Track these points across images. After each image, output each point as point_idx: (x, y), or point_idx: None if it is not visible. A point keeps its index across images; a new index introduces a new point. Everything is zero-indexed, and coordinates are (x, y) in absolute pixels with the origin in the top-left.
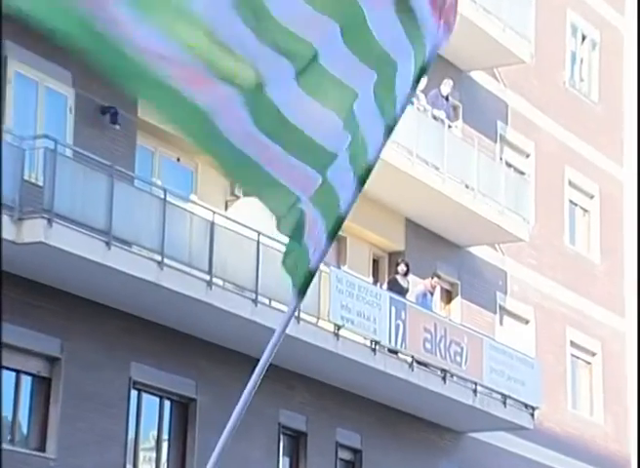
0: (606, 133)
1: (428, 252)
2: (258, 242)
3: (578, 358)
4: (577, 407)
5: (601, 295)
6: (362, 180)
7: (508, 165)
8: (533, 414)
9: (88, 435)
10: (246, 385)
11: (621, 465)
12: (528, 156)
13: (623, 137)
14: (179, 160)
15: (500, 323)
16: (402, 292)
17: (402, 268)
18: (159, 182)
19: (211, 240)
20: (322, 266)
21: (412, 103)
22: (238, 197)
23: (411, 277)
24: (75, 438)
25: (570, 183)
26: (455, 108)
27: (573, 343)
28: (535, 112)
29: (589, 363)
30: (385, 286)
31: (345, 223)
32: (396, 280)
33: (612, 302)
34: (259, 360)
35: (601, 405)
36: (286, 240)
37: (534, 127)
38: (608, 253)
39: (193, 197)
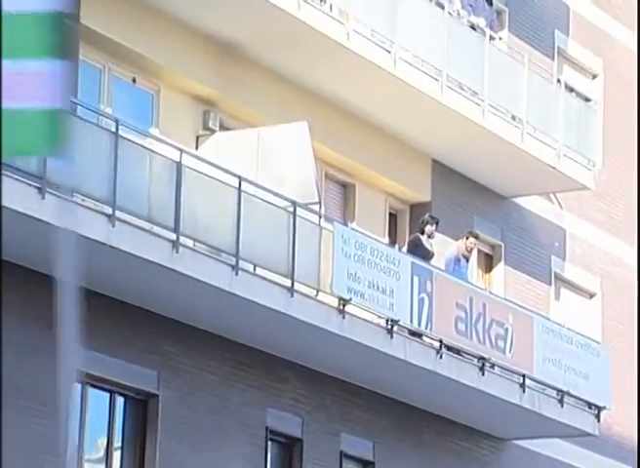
0: None
1: (463, 204)
2: (239, 190)
3: None
4: None
5: None
6: None
7: (569, 89)
8: (599, 416)
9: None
10: (222, 377)
11: None
12: (595, 77)
13: None
14: (134, 81)
15: (557, 297)
16: (426, 257)
17: (430, 228)
18: (109, 111)
19: (177, 187)
20: (324, 222)
21: (442, 6)
22: (213, 131)
23: (439, 237)
24: None
25: None
26: (499, 13)
27: None
28: (604, 18)
29: None
30: (405, 248)
31: (355, 166)
32: (420, 240)
33: None
34: (240, 344)
35: (636, 395)
36: (274, 186)
37: (604, 38)
38: None
39: (154, 131)
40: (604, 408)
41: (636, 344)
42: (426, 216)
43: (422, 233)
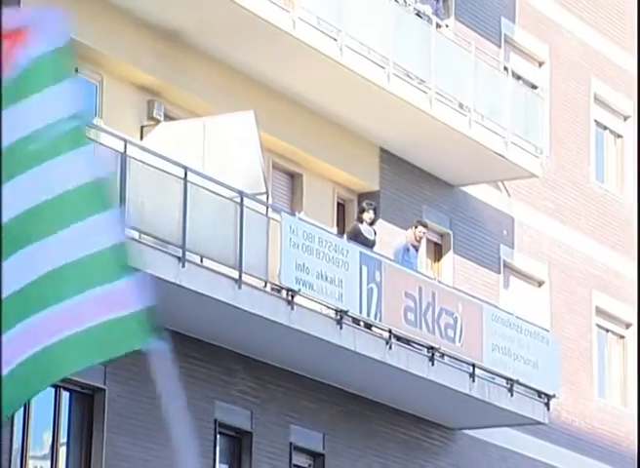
0: None
1: (411, 193)
2: (185, 180)
3: (607, 330)
4: (605, 394)
5: (637, 248)
6: None
7: (516, 76)
8: (548, 405)
9: None
10: (171, 371)
11: None
12: (542, 64)
13: None
14: (77, 71)
15: (506, 285)
16: (367, 245)
17: (368, 215)
18: None
19: (122, 178)
20: (271, 213)
21: None
22: (158, 121)
23: (387, 226)
24: None
25: (597, 100)
26: (445, 1)
27: (600, 311)
28: (550, 5)
29: (622, 336)
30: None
31: (302, 155)
32: (359, 229)
33: None
34: (187, 336)
35: (636, 392)
36: (221, 177)
37: (550, 25)
38: None
39: (98, 121)
40: (553, 396)
41: (588, 331)
42: (363, 204)
43: (361, 221)
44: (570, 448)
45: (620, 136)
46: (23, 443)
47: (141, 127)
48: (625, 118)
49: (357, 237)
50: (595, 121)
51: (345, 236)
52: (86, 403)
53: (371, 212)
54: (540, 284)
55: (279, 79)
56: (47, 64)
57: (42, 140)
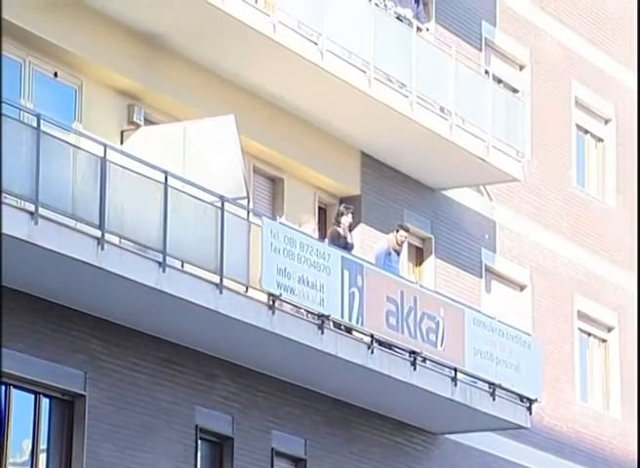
0: (625, 37)
1: (392, 197)
2: (165, 185)
3: (589, 334)
4: (587, 398)
5: (619, 252)
6: None
7: (497, 80)
8: (530, 409)
9: None
10: (151, 376)
11: None
12: (522, 68)
13: None
14: (56, 75)
15: (488, 289)
16: (346, 249)
17: (345, 219)
18: (30, 106)
19: (102, 183)
20: (252, 217)
21: None
22: (138, 125)
23: (369, 231)
24: None
25: (578, 104)
26: (426, 5)
27: (582, 315)
28: (531, 8)
29: (604, 340)
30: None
31: (283, 160)
32: (337, 233)
33: (633, 261)
34: (168, 342)
35: (618, 396)
36: (201, 181)
37: (530, 28)
38: (628, 195)
39: (77, 126)
40: (535, 400)
41: (570, 335)
42: (341, 207)
43: (339, 225)
44: (552, 452)
45: (601, 139)
46: (3, 449)
47: (121, 131)
48: (606, 121)
49: (337, 240)
50: (576, 125)
51: (327, 240)
52: (66, 409)
53: (349, 215)
54: (522, 288)
55: (260, 83)
56: None
57: None
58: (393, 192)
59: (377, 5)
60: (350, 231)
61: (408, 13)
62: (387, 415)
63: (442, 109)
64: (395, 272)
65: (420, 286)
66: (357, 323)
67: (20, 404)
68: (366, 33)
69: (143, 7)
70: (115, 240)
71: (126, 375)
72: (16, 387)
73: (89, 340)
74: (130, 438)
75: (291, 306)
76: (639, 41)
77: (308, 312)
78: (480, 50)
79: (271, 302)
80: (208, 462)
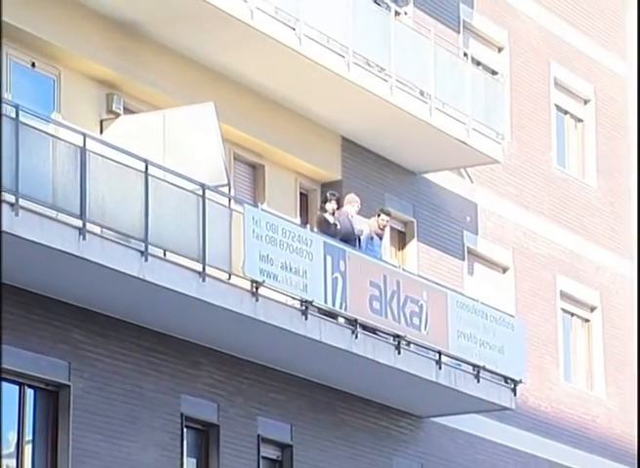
0: (603, 16)
1: (374, 181)
2: (146, 174)
3: (572, 314)
4: (571, 379)
5: (600, 232)
6: None
7: (476, 62)
8: (515, 390)
9: None
10: (135, 365)
11: (629, 452)
12: (501, 50)
13: (626, 21)
14: (34, 66)
15: (470, 272)
16: (335, 235)
17: (332, 206)
18: (8, 97)
19: (82, 173)
20: (234, 204)
21: None
22: (117, 114)
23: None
24: None
25: (557, 84)
26: None
27: (564, 295)
28: None
29: (587, 320)
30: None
31: (264, 146)
32: (325, 219)
33: (615, 240)
34: (152, 331)
35: (602, 375)
36: (182, 169)
37: (508, 10)
38: (609, 175)
39: (56, 116)
40: (520, 381)
41: (553, 316)
42: (327, 194)
43: (324, 212)
44: (537, 432)
45: (580, 120)
46: None
47: (101, 121)
48: (586, 102)
49: (325, 227)
50: (556, 105)
51: (315, 227)
52: (51, 400)
53: (333, 202)
54: (505, 269)
55: (239, 70)
56: None
57: None
58: (374, 176)
59: None
60: (333, 215)
61: None
62: (372, 399)
63: (421, 93)
64: (378, 256)
65: (403, 269)
66: (341, 308)
67: (5, 395)
68: (344, 18)
69: None
70: (97, 230)
71: (110, 365)
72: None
73: (72, 330)
74: (115, 427)
75: (274, 292)
76: None
77: (292, 298)
78: (458, 32)
79: (254, 289)
80: (194, 450)
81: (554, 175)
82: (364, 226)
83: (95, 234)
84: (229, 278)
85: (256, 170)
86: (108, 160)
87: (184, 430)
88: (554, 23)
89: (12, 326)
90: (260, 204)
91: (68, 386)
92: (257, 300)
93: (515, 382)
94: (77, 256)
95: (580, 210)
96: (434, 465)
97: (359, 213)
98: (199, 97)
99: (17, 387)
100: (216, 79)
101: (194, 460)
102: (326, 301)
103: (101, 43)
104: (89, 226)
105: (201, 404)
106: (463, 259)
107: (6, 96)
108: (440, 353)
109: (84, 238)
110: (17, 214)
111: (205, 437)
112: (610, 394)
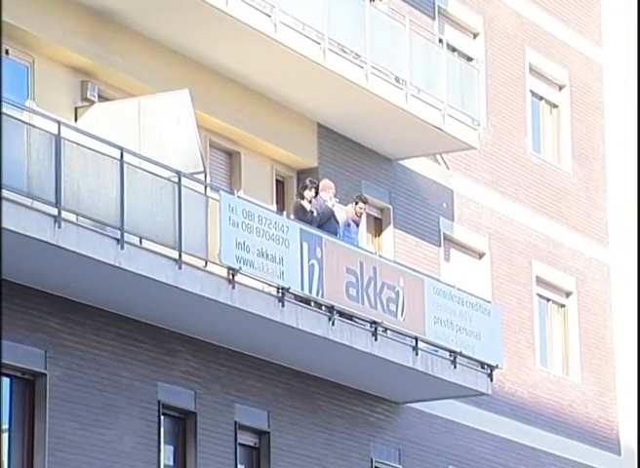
0: (578, 2)
1: (350, 168)
2: (121, 161)
3: (547, 300)
4: (547, 364)
5: (576, 217)
6: None
7: (451, 49)
8: (491, 376)
9: None
10: (112, 353)
11: (606, 436)
12: (476, 36)
13: (601, 7)
14: (7, 53)
15: (446, 258)
16: (311, 223)
17: (310, 193)
18: None
19: (57, 161)
20: (209, 192)
21: None
22: (92, 102)
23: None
24: None
25: (532, 70)
26: None
27: (540, 281)
28: None
29: (563, 306)
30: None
31: (239, 133)
32: (302, 207)
33: (590, 226)
34: (129, 318)
35: (578, 360)
36: (158, 157)
37: None
38: (584, 161)
39: (30, 103)
40: (496, 366)
41: (529, 301)
42: (306, 181)
43: (302, 199)
44: (514, 417)
45: (555, 105)
46: None
47: (75, 108)
48: (561, 87)
49: (302, 214)
50: (531, 91)
51: (292, 214)
52: (27, 388)
53: (312, 190)
54: (481, 255)
55: (214, 57)
56: None
57: None
58: (351, 163)
59: None
60: (311, 202)
61: None
62: (349, 386)
63: (397, 79)
64: (354, 243)
65: (380, 256)
66: (317, 294)
67: None
68: (319, 5)
69: None
70: (72, 218)
71: (86, 353)
72: None
73: (48, 319)
74: (92, 415)
75: (250, 279)
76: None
77: (268, 285)
78: (433, 19)
79: (231, 276)
80: (171, 437)
81: (530, 161)
82: (341, 213)
83: (70, 222)
84: (206, 265)
85: (231, 157)
86: (83, 148)
87: (162, 418)
88: (529, 10)
89: None
90: (235, 191)
91: (45, 375)
92: (233, 288)
93: (492, 368)
94: (53, 245)
95: (555, 195)
96: (411, 451)
97: (336, 199)
98: (174, 85)
99: None
100: (191, 66)
101: (172, 448)
102: (302, 288)
103: (76, 30)
104: (64, 214)
105: (178, 391)
106: (440, 246)
107: None
108: (417, 339)
109: (59, 226)
110: None
111: (182, 424)
112: (586, 379)
